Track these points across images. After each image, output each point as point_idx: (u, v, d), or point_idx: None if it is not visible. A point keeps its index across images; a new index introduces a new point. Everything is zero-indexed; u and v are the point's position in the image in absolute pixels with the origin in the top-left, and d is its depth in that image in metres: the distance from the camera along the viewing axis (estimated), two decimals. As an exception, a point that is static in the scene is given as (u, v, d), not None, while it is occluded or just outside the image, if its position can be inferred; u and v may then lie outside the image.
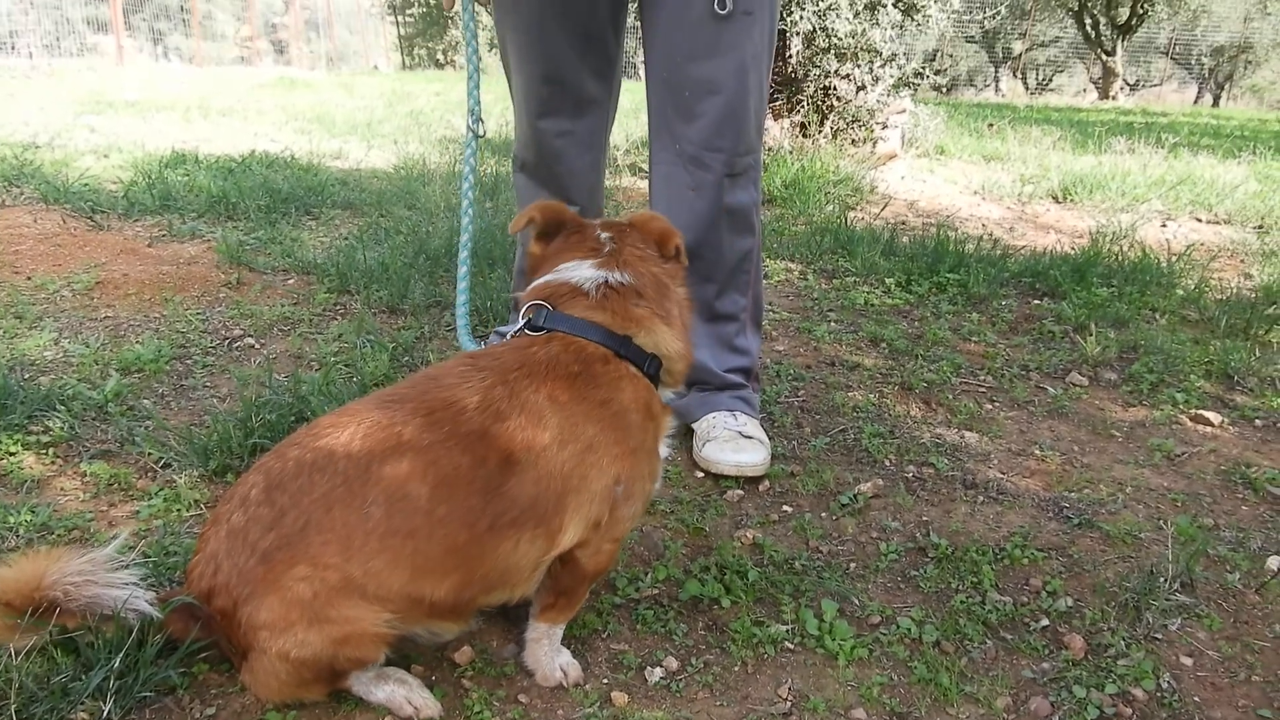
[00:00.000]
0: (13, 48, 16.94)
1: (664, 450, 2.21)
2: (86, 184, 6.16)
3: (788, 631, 2.34)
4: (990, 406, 3.71)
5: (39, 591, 1.84)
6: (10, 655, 1.86)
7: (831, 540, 2.77)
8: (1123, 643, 2.33)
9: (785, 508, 2.94)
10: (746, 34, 2.90)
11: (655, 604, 2.44)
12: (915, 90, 8.55)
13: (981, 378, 3.95)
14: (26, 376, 3.27)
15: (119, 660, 1.91)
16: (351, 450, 1.93)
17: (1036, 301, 4.96)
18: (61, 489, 2.71)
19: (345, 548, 1.86)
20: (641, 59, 3.19)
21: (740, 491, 3.00)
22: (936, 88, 18.20)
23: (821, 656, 2.27)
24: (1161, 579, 2.54)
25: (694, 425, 3.24)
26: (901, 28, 7.93)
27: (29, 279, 4.29)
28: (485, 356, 2.12)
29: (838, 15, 7.50)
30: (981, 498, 3.02)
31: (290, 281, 4.58)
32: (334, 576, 1.85)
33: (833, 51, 7.73)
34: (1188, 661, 2.30)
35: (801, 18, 7.54)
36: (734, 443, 3.07)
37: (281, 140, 8.90)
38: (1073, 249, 5.94)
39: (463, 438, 1.94)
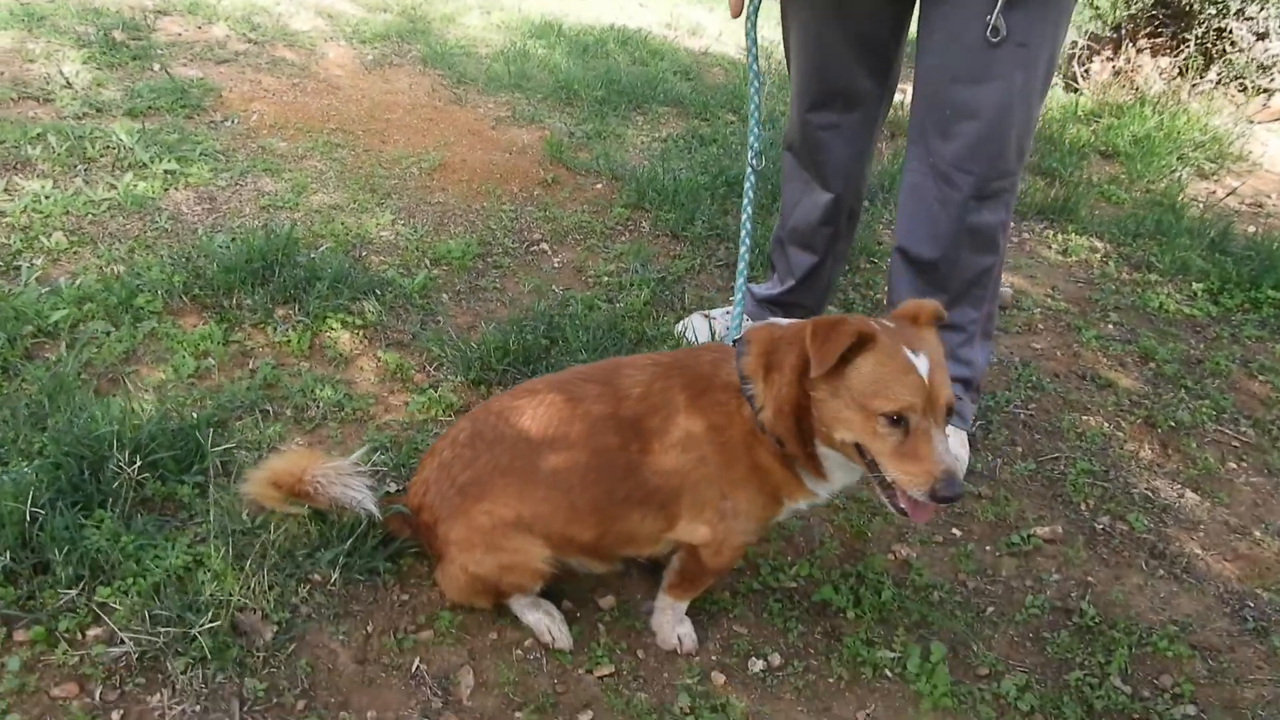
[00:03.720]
0: None
1: (803, 505, 2.41)
2: (462, 46, 6.93)
3: (893, 660, 2.57)
4: (1235, 466, 3.52)
5: (299, 483, 2.46)
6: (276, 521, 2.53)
7: (982, 578, 2.90)
8: (1223, 770, 2.35)
9: (955, 531, 3.08)
10: (1017, 65, 2.85)
11: (786, 598, 2.74)
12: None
13: (1241, 429, 3.72)
14: (362, 255, 4.00)
15: (349, 544, 2.53)
16: (538, 414, 2.39)
17: (1369, 342, 4.43)
18: (360, 368, 3.40)
19: (520, 492, 2.36)
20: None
21: (918, 502, 3.16)
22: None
23: (911, 694, 2.49)
24: (1303, 718, 2.48)
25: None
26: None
27: (388, 150, 5.05)
28: (668, 354, 2.47)
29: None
30: (1162, 571, 2.98)
31: (598, 186, 5.05)
32: (509, 514, 2.36)
33: (1238, -12, 6.84)
34: (1285, 810, 2.29)
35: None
36: (928, 454, 3.20)
37: (651, 5, 9.26)
38: None
39: (620, 420, 2.34)
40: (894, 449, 2.03)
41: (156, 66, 5.51)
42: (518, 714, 2.31)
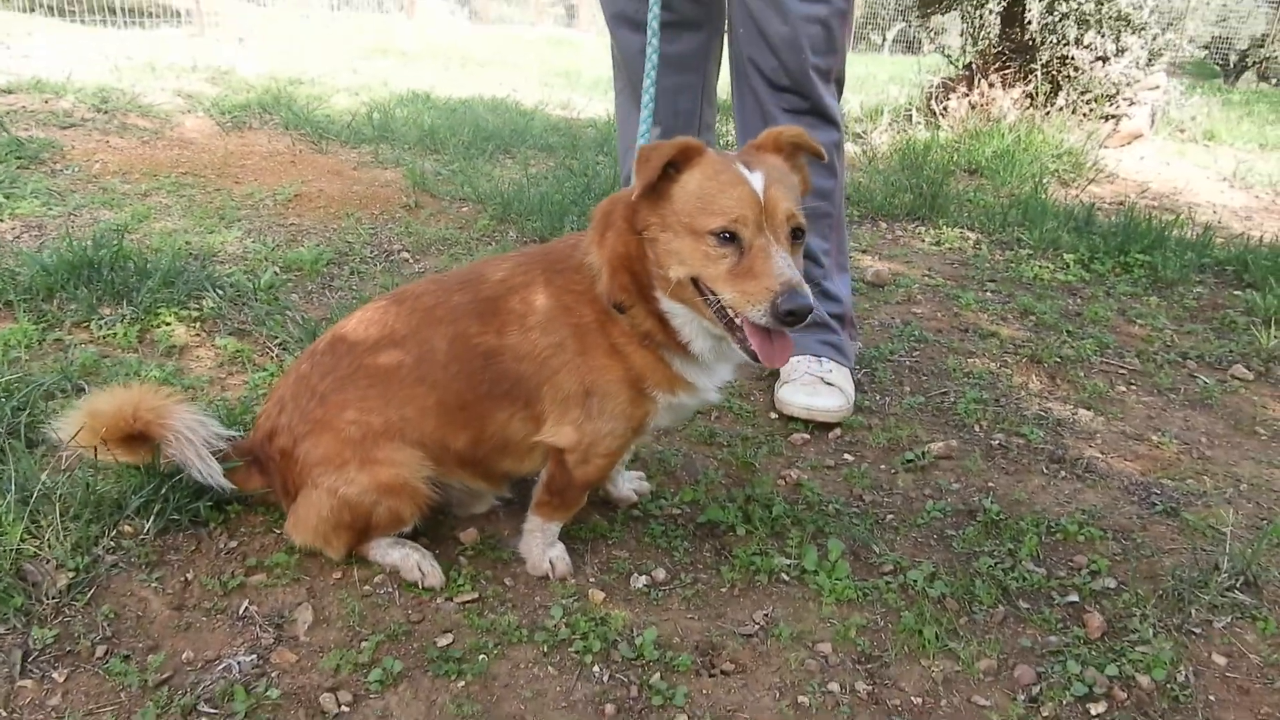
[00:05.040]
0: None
1: (687, 401, 2.16)
2: (326, 115, 6.80)
3: (790, 565, 2.33)
4: (1124, 389, 3.43)
5: (137, 421, 2.11)
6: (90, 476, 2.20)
7: (879, 492, 2.71)
8: (1150, 630, 2.15)
9: (846, 456, 2.89)
10: None
11: (670, 522, 2.49)
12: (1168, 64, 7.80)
13: (1127, 359, 3.65)
14: (202, 263, 3.73)
15: (164, 490, 2.22)
16: (401, 312, 2.19)
17: (1237, 292, 4.48)
18: (196, 356, 3.11)
19: (385, 393, 2.11)
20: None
21: (806, 436, 2.97)
22: (1222, 65, 16.41)
23: (811, 591, 2.25)
24: (1224, 574, 2.30)
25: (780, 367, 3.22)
26: (1159, -8, 7.25)
27: (241, 188, 4.84)
28: (536, 246, 2.28)
29: (1079, -23, 6.98)
30: (1064, 473, 2.83)
31: (463, 209, 4.90)
32: (377, 421, 2.11)
33: (1073, 17, 7.20)
34: (1220, 660, 2.09)
35: (1040, -21, 7.08)
36: (812, 387, 3.04)
37: (521, 90, 9.36)
38: (1306, 242, 5.28)
39: (479, 303, 2.14)
40: (729, 271, 1.84)
41: (-9, 130, 5.23)
42: (364, 644, 1.99)
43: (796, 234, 1.91)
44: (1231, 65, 17.79)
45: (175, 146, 5.47)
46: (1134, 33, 7.36)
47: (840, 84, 3.15)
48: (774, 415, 3.10)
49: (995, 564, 2.37)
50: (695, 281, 1.90)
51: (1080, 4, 7.11)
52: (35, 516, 2.11)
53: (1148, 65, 7.69)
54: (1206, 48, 17.60)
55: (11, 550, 2.01)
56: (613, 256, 2.00)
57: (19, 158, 4.82)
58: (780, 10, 2.91)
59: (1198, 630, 2.17)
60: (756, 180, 1.87)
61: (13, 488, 2.15)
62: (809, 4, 2.91)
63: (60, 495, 2.17)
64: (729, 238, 1.84)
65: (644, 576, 2.27)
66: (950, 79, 8.11)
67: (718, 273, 1.85)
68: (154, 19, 12.54)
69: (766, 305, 1.78)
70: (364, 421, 2.11)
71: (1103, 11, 7.18)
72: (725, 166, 1.90)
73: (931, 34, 8.53)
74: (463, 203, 4.98)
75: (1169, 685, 2.01)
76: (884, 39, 18.55)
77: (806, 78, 2.97)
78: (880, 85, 10.08)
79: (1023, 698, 1.98)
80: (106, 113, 5.99)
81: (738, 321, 1.89)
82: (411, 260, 4.15)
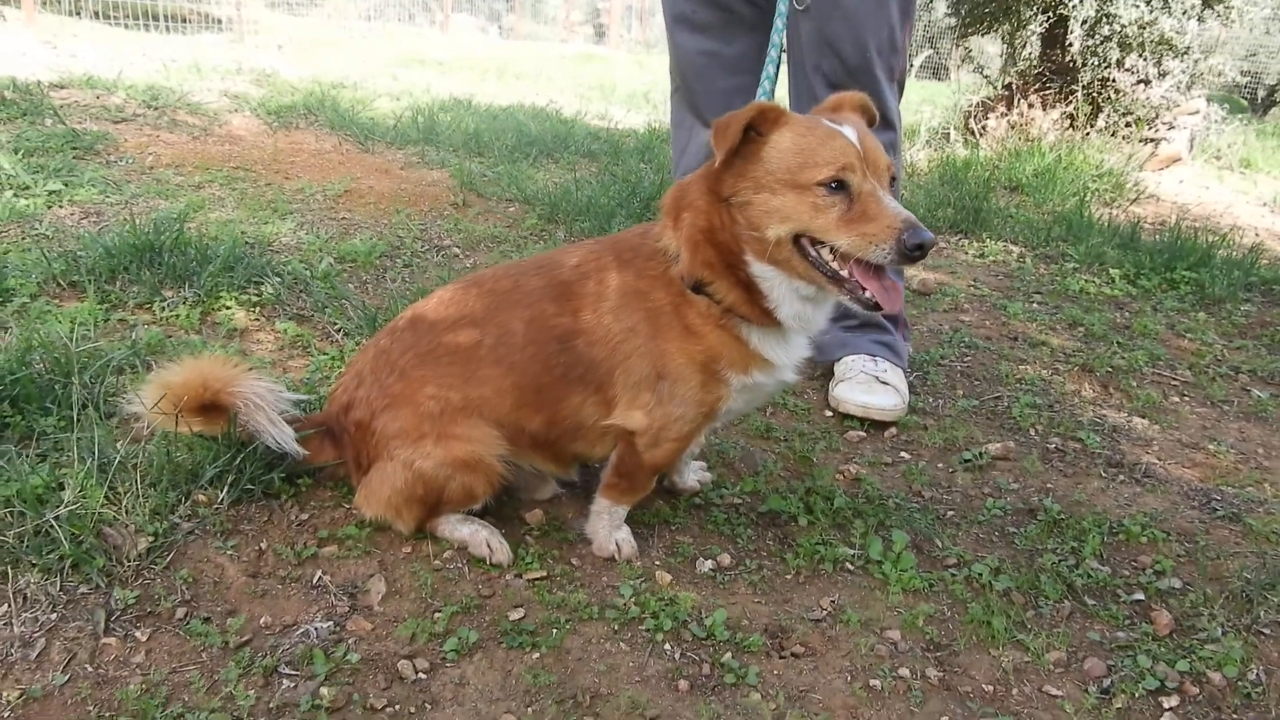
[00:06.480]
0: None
1: (762, 380, 2.16)
2: (370, 117, 6.87)
3: (854, 555, 2.33)
4: (1177, 400, 3.42)
5: (209, 392, 2.16)
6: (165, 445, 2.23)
7: (938, 489, 2.71)
8: (1219, 629, 2.14)
9: (903, 454, 2.89)
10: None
11: (732, 510, 2.50)
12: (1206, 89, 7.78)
13: (1179, 372, 3.64)
14: (258, 251, 3.78)
15: (237, 461, 2.24)
16: (481, 293, 2.23)
17: (1284, 311, 4.46)
18: (257, 339, 3.14)
19: (464, 372, 2.14)
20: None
21: (863, 433, 2.98)
22: (1249, 98, 16.33)
23: (877, 580, 2.25)
24: (1292, 577, 2.29)
25: (835, 366, 3.23)
26: (1200, 19, 7.24)
27: (291, 183, 4.89)
28: (607, 236, 2.33)
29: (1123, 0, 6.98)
30: (1123, 477, 2.82)
31: (511, 209, 4.94)
32: (456, 398, 2.13)
33: (1115, 40, 7.21)
34: (1291, 661, 2.08)
35: (1083, 1, 7.09)
36: (867, 385, 3.05)
37: (558, 101, 9.44)
38: (1354, 265, 5.26)
39: (555, 286, 2.16)
40: (841, 218, 1.86)
41: (49, 121, 5.31)
42: (438, 615, 2.01)
43: (892, 182, 1.95)
44: (1259, 100, 17.75)
45: (225, 142, 5.53)
46: (1176, 57, 7.34)
47: (901, 85, 3.16)
48: (829, 413, 3.10)
49: (1059, 561, 2.36)
50: (795, 239, 1.92)
51: (1123, 27, 7.11)
52: (114, 484, 2.14)
53: (1188, 90, 7.68)
54: (1238, 85, 17.54)
55: (93, 514, 2.04)
56: (694, 233, 2.02)
57: (74, 148, 4.89)
58: (842, 10, 2.94)
59: (1267, 631, 2.16)
60: (850, 133, 1.91)
61: (95, 454, 2.18)
62: (871, 2, 2.93)
63: (137, 464, 2.20)
64: (837, 186, 1.86)
65: (709, 561, 2.28)
66: (989, 99, 8.13)
67: (828, 222, 1.87)
68: (194, 25, 12.71)
69: (891, 243, 1.81)
70: (443, 397, 2.13)
71: (1145, 35, 7.17)
72: (816, 122, 1.94)
73: (968, 52, 8.55)
74: (510, 203, 5.02)
75: (1240, 683, 2.00)
76: (911, 65, 18.64)
77: (870, 76, 2.99)
78: (914, 106, 10.10)
79: (1094, 689, 1.97)
80: (157, 109, 6.06)
81: (843, 273, 1.90)
82: (462, 255, 4.18)
